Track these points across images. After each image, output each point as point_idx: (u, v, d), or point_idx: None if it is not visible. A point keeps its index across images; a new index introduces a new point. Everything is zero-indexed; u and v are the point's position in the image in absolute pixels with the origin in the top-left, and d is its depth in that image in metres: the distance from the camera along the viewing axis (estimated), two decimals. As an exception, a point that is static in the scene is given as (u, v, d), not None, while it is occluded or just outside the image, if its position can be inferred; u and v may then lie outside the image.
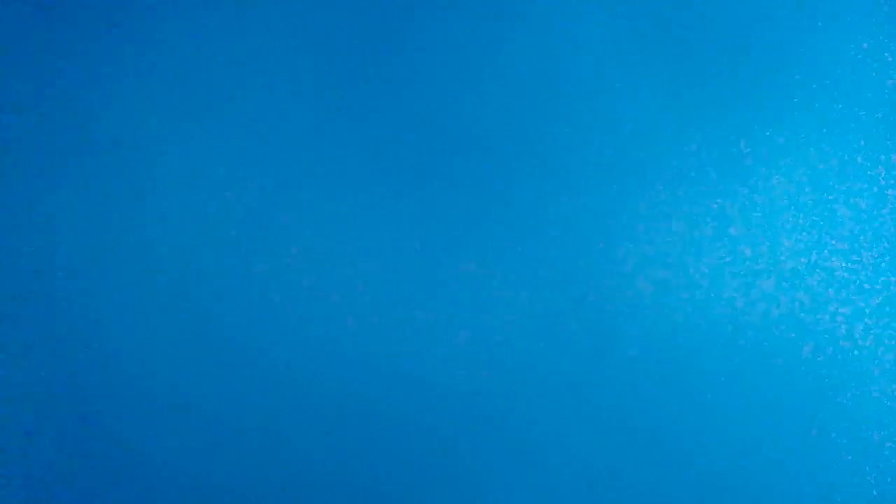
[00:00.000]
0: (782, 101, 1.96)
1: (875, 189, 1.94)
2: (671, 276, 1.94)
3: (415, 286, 1.96)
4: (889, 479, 1.90)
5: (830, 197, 1.95)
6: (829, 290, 1.93)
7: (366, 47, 2.00)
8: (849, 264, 1.94)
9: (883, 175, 1.95)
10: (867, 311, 1.93)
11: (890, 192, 1.94)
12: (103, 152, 1.98)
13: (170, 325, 1.95)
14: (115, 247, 1.97)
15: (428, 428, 1.94)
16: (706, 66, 1.97)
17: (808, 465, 1.92)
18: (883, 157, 1.95)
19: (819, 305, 1.93)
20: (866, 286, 1.93)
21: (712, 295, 1.94)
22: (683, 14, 1.98)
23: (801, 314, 1.93)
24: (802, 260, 1.94)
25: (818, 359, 1.92)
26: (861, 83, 1.96)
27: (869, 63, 1.96)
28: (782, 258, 1.94)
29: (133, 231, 1.97)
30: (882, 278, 1.93)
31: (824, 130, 1.96)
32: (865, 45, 1.97)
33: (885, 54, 1.96)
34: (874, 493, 1.91)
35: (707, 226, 1.95)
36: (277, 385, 1.95)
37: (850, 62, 1.96)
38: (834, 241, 1.94)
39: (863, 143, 1.95)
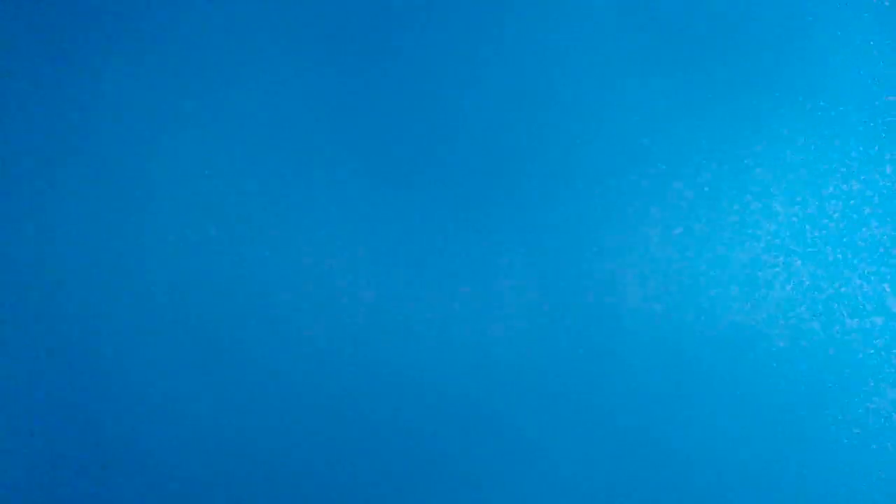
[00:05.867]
0: (783, 100, 1.96)
1: (876, 188, 1.94)
2: (671, 276, 1.94)
3: (413, 286, 1.96)
4: (888, 482, 1.91)
5: (832, 196, 1.95)
6: (830, 290, 1.94)
7: (365, 41, 2.00)
8: (849, 263, 1.94)
9: (884, 174, 1.95)
10: (868, 311, 1.93)
11: (891, 190, 1.94)
12: (103, 152, 1.98)
13: (167, 324, 1.95)
14: (114, 247, 1.97)
15: (423, 429, 1.95)
16: (706, 66, 1.97)
17: (807, 466, 1.92)
18: (884, 156, 1.95)
19: (820, 305, 1.93)
20: (867, 286, 1.93)
21: (712, 295, 1.94)
22: (683, 12, 1.98)
23: (803, 314, 1.93)
24: (803, 259, 1.94)
25: (818, 360, 1.92)
26: (862, 81, 1.96)
27: (870, 61, 1.96)
28: (783, 258, 1.94)
29: (131, 231, 1.97)
30: (883, 278, 1.93)
31: (825, 129, 1.96)
32: (865, 43, 1.97)
33: (886, 52, 1.96)
34: (873, 494, 1.91)
35: (708, 226, 1.95)
36: (275, 385, 1.95)
37: (851, 60, 1.97)
38: (834, 241, 1.94)
39: (864, 142, 1.95)
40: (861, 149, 1.95)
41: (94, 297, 1.96)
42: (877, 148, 1.95)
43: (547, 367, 1.94)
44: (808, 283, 1.93)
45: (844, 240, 1.94)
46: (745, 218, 1.95)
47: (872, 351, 1.92)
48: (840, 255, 1.94)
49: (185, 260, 1.96)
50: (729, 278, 1.94)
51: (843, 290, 1.93)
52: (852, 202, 1.94)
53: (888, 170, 1.95)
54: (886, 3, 1.96)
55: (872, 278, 1.93)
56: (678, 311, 1.94)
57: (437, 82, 1.99)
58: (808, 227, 1.94)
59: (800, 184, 1.95)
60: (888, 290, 1.93)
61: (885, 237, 1.93)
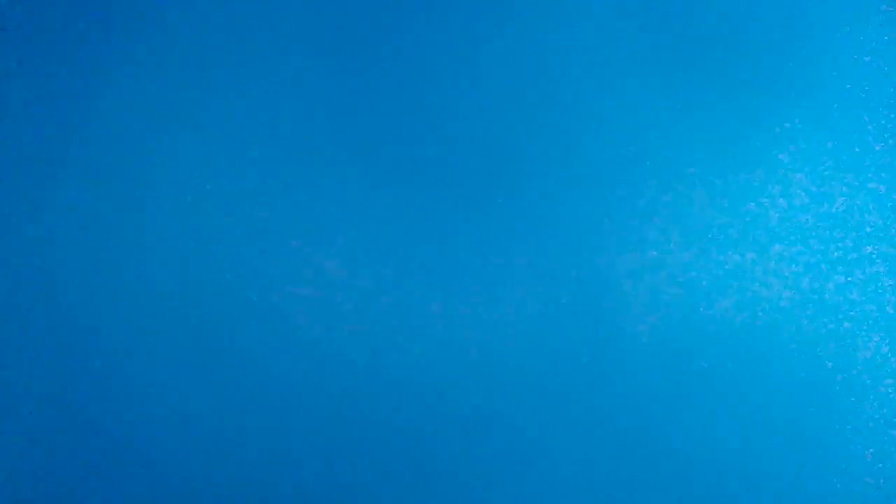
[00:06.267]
0: (784, 100, 1.96)
1: (877, 188, 1.94)
2: (672, 276, 1.94)
3: (413, 286, 1.96)
4: (887, 482, 1.90)
5: (832, 196, 1.95)
6: (831, 291, 1.93)
7: (365, 41, 2.00)
8: (850, 263, 1.94)
9: (884, 174, 1.95)
10: (868, 311, 1.92)
11: (892, 191, 1.94)
12: (103, 152, 1.98)
13: (167, 324, 1.95)
14: (114, 246, 1.97)
15: (424, 429, 1.94)
16: (706, 66, 1.97)
17: (807, 467, 1.92)
18: (885, 155, 1.95)
19: (821, 306, 1.93)
20: (868, 286, 1.93)
21: (713, 296, 1.94)
22: (683, 12, 1.98)
23: (803, 315, 1.93)
24: (803, 259, 1.94)
25: (818, 361, 1.92)
26: (863, 81, 1.96)
27: (870, 61, 1.96)
28: (784, 258, 1.94)
29: (131, 231, 1.97)
30: (884, 278, 1.93)
31: (826, 129, 1.96)
32: (865, 43, 1.97)
33: (886, 52, 1.96)
34: (873, 494, 1.91)
35: (709, 226, 1.95)
36: (275, 384, 1.95)
37: (851, 60, 1.96)
38: (834, 241, 1.94)
39: (865, 141, 1.95)
40: (862, 148, 1.95)
41: (95, 297, 1.96)
42: (878, 148, 1.95)
43: (547, 366, 1.94)
44: (808, 283, 1.93)
45: (845, 240, 1.94)
46: (746, 218, 1.95)
47: (873, 351, 1.92)
48: (840, 255, 1.93)
49: (185, 260, 1.96)
50: (730, 279, 1.94)
51: (843, 290, 1.93)
52: (853, 202, 1.94)
53: (889, 170, 1.94)
54: (886, 4, 1.96)
55: (873, 278, 1.93)
56: (679, 311, 1.94)
57: (437, 82, 1.99)
58: (808, 227, 1.94)
59: (800, 184, 1.95)
60: (889, 290, 1.93)
61: (885, 237, 1.93)
